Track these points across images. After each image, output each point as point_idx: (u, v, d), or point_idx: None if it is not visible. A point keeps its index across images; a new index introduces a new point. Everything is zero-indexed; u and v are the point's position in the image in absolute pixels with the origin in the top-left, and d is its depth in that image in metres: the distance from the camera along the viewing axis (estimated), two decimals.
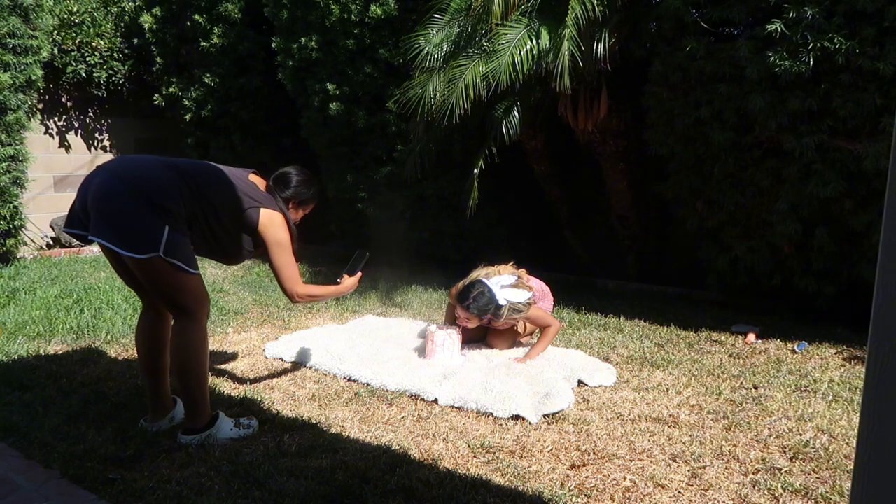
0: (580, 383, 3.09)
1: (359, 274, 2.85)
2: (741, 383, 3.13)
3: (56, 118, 7.43)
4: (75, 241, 6.44)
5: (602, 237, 5.54)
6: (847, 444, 2.46)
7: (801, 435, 2.55)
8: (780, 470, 2.27)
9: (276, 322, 4.25)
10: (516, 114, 4.59)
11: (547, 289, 3.90)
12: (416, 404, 2.88)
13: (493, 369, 3.26)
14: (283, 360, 3.47)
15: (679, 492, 2.13)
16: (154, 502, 2.01)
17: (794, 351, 3.63)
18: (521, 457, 2.36)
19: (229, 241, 2.52)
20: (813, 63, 3.49)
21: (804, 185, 3.75)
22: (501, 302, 3.33)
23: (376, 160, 5.74)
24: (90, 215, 2.28)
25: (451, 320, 3.60)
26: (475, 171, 4.61)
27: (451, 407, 2.84)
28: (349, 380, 3.18)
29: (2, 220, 5.87)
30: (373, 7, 5.28)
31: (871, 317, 0.90)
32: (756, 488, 2.15)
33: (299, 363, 3.41)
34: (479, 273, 3.49)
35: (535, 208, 5.81)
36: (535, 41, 4.19)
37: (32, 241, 7.04)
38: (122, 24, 7.37)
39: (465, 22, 4.54)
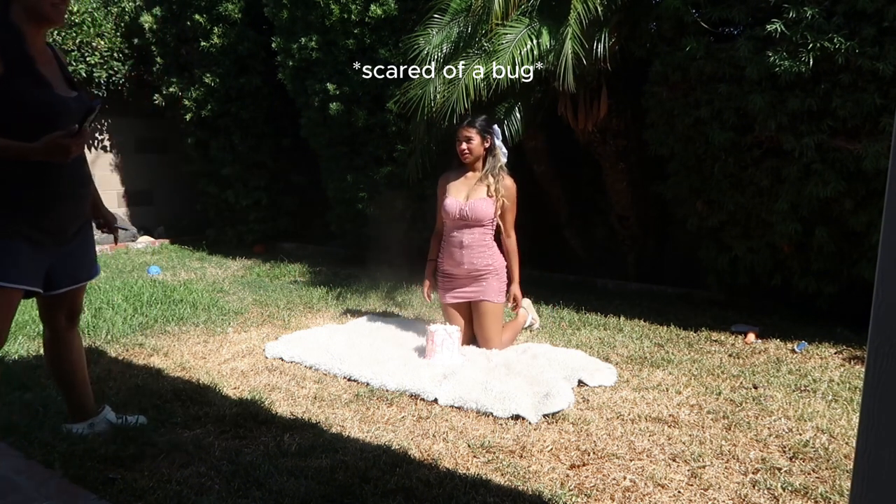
0: (580, 383, 3.09)
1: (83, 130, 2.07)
2: (741, 383, 3.13)
3: None
4: None
5: (602, 237, 5.54)
6: (847, 443, 2.47)
7: (800, 435, 2.55)
8: (779, 470, 2.27)
9: (276, 322, 4.25)
10: (518, 115, 4.60)
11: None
12: (416, 404, 2.88)
13: (493, 369, 3.27)
14: (283, 360, 3.47)
15: (679, 491, 2.13)
16: (154, 502, 2.01)
17: (793, 351, 3.63)
18: (521, 457, 2.37)
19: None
20: (813, 63, 3.49)
21: (804, 185, 3.75)
22: (500, 142, 3.71)
23: (376, 160, 5.74)
24: None
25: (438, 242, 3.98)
26: None
27: (451, 407, 2.84)
28: (349, 380, 3.18)
29: None
30: (373, 7, 5.28)
31: (871, 317, 0.90)
32: (756, 488, 2.16)
33: (299, 363, 3.41)
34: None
35: (535, 208, 5.79)
36: (535, 41, 4.19)
37: None
38: (123, 24, 7.35)
39: (465, 22, 4.54)
